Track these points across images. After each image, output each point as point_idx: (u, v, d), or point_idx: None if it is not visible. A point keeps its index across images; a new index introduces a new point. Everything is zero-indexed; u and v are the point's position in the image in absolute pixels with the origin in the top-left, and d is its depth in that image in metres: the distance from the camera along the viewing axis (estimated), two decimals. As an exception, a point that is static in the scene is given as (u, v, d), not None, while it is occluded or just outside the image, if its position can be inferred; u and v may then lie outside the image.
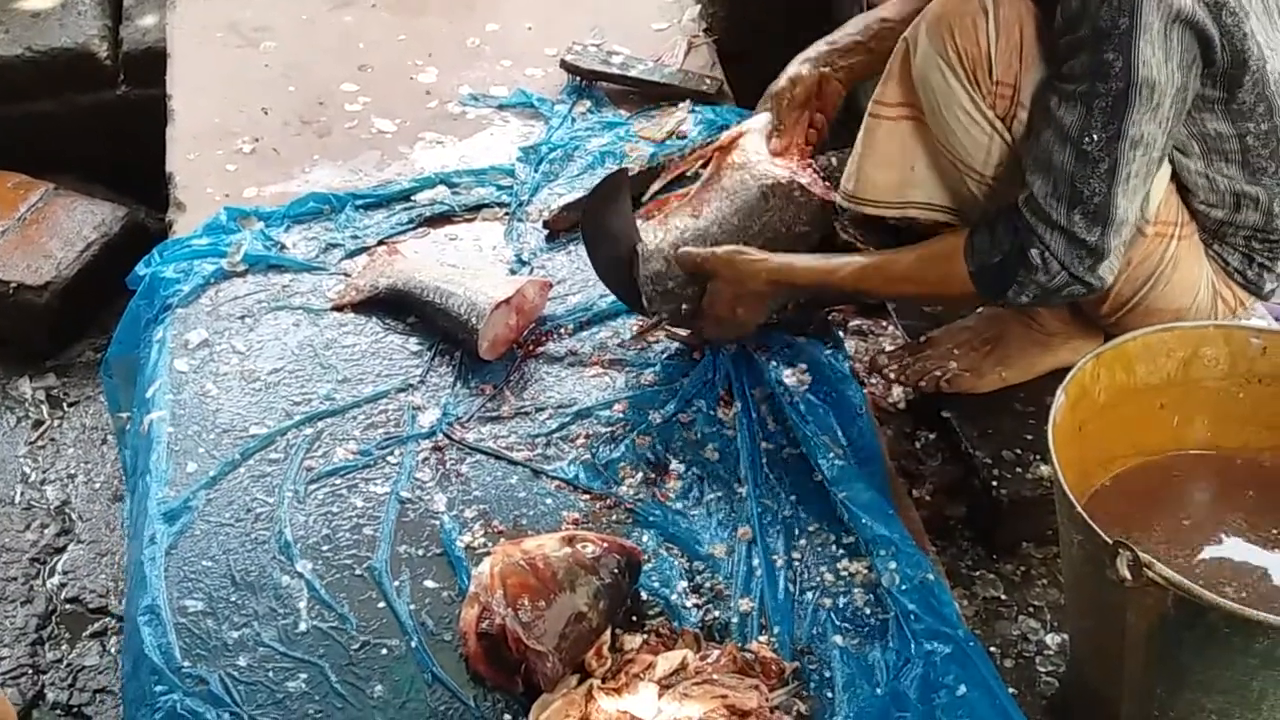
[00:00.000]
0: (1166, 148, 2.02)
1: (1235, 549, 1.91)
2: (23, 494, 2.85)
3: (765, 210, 2.36)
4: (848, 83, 2.49)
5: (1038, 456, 2.28)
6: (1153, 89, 1.90)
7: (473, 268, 2.53)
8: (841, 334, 2.61)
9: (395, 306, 2.49)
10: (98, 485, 2.89)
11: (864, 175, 2.21)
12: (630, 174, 2.62)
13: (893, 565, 1.99)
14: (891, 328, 2.68)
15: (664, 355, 2.41)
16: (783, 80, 2.48)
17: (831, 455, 2.16)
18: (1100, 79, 1.91)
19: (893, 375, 2.46)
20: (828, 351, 2.36)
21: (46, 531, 2.77)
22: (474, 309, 2.36)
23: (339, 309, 2.50)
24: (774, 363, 2.34)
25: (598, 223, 2.35)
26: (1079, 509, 1.73)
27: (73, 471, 2.91)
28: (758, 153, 2.43)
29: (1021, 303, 2.11)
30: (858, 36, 2.45)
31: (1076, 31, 1.92)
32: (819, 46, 2.48)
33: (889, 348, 2.60)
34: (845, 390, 2.28)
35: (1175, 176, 2.13)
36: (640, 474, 2.19)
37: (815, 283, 2.28)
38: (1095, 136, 1.93)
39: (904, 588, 1.95)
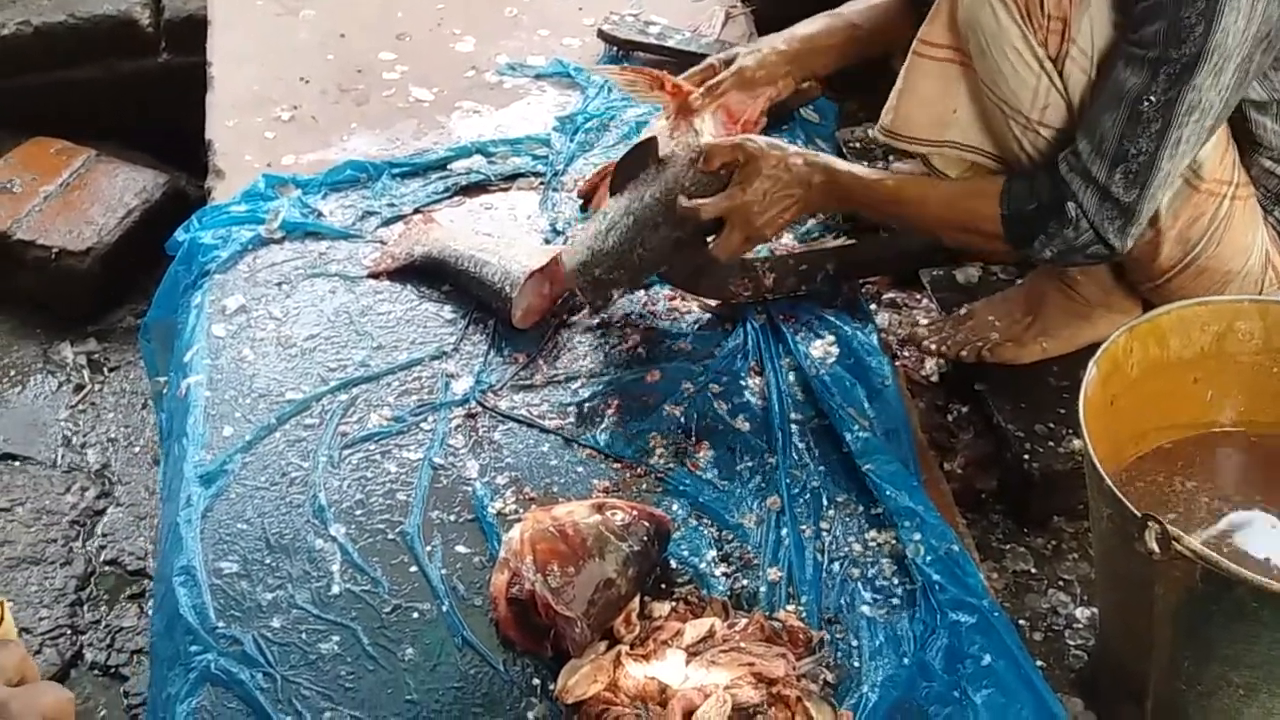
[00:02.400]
0: (1222, 116, 1.99)
1: (1265, 524, 1.90)
2: (63, 457, 2.89)
3: (678, 178, 2.28)
4: (799, 82, 2.51)
5: (1070, 430, 2.27)
6: (1223, 56, 1.88)
7: (507, 237, 2.54)
8: (874, 306, 2.61)
9: (430, 274, 2.50)
10: (137, 449, 2.92)
11: (903, 112, 2.19)
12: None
13: (917, 537, 1.99)
14: (926, 300, 2.68)
15: (696, 326, 2.41)
16: (750, 59, 2.45)
17: (857, 428, 2.16)
18: (1175, 45, 1.88)
19: (933, 347, 2.45)
20: (855, 324, 2.36)
21: (86, 494, 2.81)
22: (508, 277, 2.37)
23: (374, 276, 2.52)
24: (801, 334, 2.34)
25: (623, 191, 2.35)
26: (1109, 482, 1.73)
27: (113, 435, 2.95)
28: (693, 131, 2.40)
29: (1044, 256, 2.09)
30: (828, 40, 2.44)
31: None
32: (791, 39, 2.46)
33: (924, 320, 2.59)
34: (871, 363, 2.28)
35: (1247, 134, 2.10)
36: (671, 443, 2.19)
37: (852, 184, 2.23)
38: (1154, 99, 1.91)
39: (928, 559, 1.95)
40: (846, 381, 2.25)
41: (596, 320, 2.41)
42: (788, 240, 2.52)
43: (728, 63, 2.46)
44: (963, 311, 2.47)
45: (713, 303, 2.42)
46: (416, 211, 2.64)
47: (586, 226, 2.35)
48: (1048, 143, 2.08)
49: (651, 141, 2.35)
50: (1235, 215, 2.13)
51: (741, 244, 2.27)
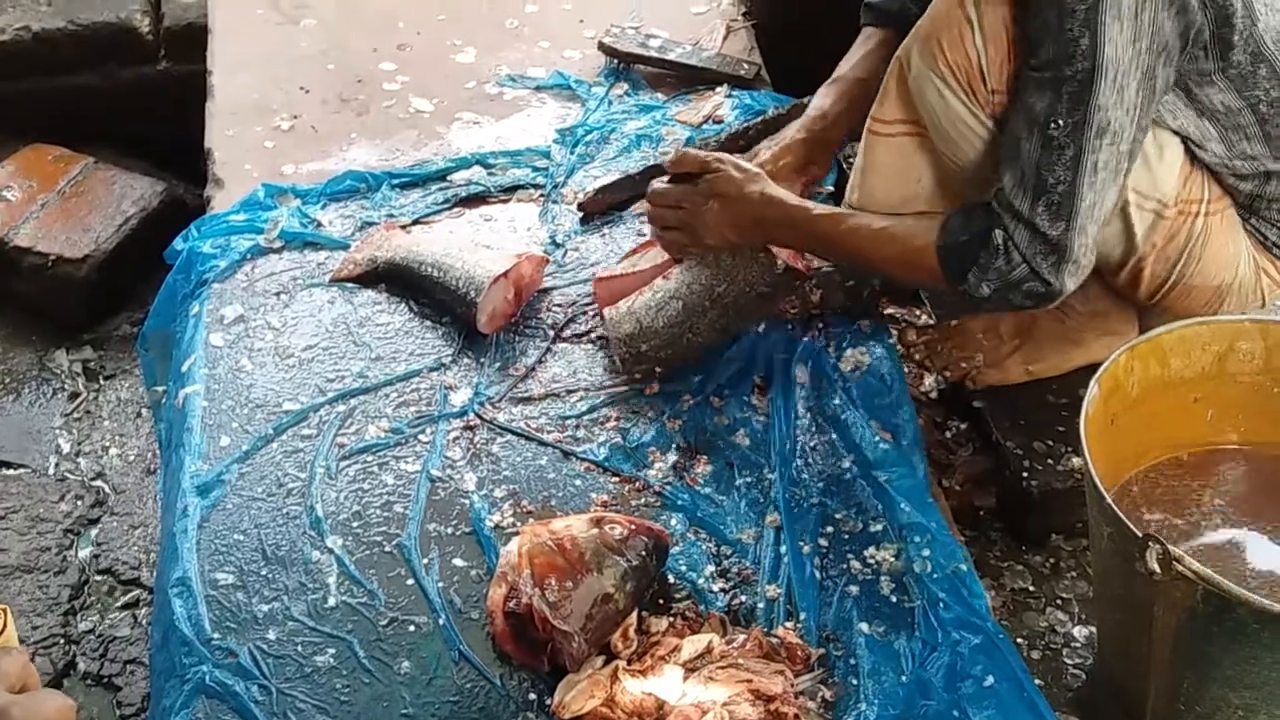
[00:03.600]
0: (1138, 140, 1.99)
1: (1266, 545, 1.90)
2: (57, 465, 2.88)
3: (734, 270, 2.31)
4: (831, 157, 2.51)
5: (1069, 448, 2.27)
6: (1118, 70, 1.88)
7: (470, 244, 2.53)
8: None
9: (395, 281, 2.50)
10: (132, 458, 2.91)
11: (868, 190, 2.22)
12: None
13: (926, 553, 1.99)
14: (924, 316, 2.68)
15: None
16: (769, 154, 2.46)
17: (877, 439, 2.16)
18: (1067, 61, 1.89)
19: (918, 357, 2.46)
20: (880, 340, 2.36)
21: (80, 503, 2.80)
22: (472, 282, 2.37)
23: (336, 281, 2.51)
24: (830, 346, 2.34)
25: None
26: (1109, 501, 1.72)
27: (107, 444, 2.94)
28: None
29: (983, 294, 2.06)
30: (841, 105, 2.42)
31: (1044, 14, 1.90)
32: (805, 123, 2.46)
33: (918, 326, 2.60)
34: (894, 379, 2.28)
35: (1200, 160, 2.11)
36: (670, 458, 2.19)
37: (793, 218, 2.23)
38: (1061, 122, 1.92)
39: (935, 576, 1.95)
40: (870, 394, 2.25)
41: (595, 334, 2.41)
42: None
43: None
44: (954, 324, 2.47)
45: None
46: (417, 222, 2.64)
47: (635, 298, 2.34)
48: None
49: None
50: (1212, 230, 2.14)
51: (679, 248, 2.33)
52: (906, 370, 2.50)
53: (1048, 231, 1.98)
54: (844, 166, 2.75)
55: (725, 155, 2.32)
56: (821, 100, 2.45)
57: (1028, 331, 2.38)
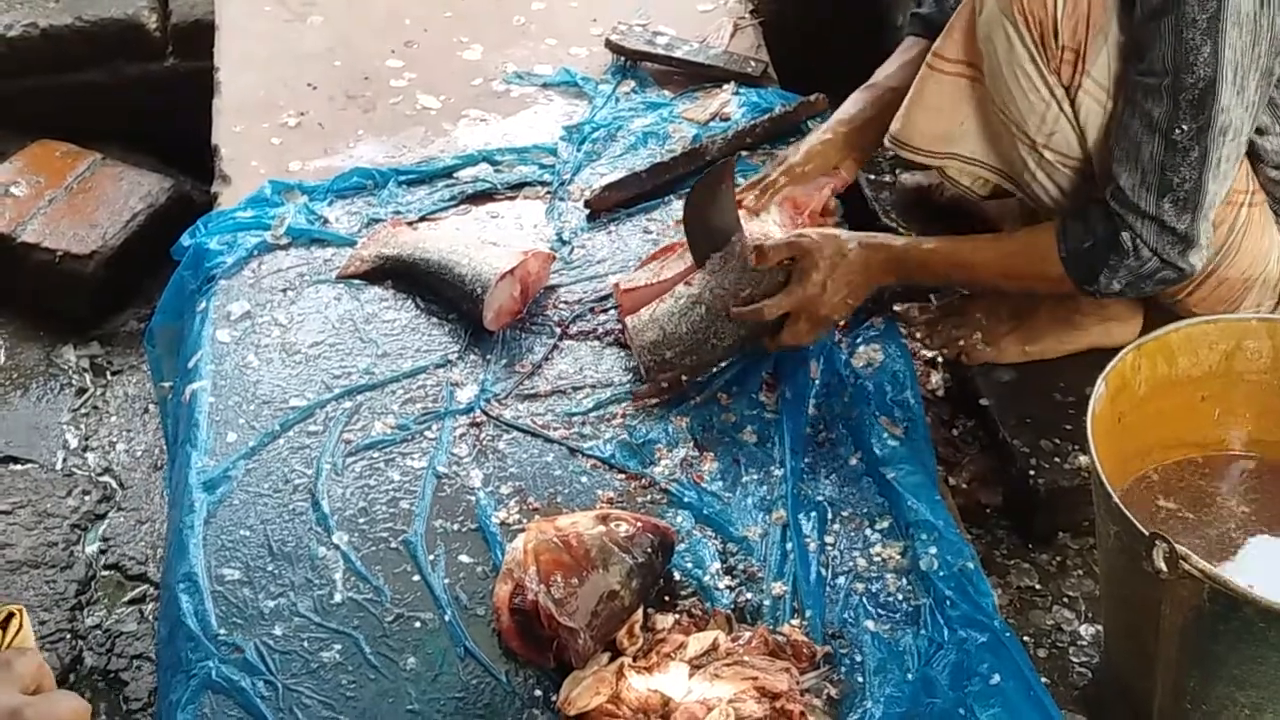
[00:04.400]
0: (1252, 129, 2.01)
1: (1272, 544, 1.89)
2: (65, 461, 2.88)
3: (760, 274, 2.27)
4: (861, 161, 2.51)
5: (1076, 446, 2.27)
6: (1240, 74, 1.89)
7: (476, 240, 2.53)
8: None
9: (401, 278, 2.50)
10: (139, 454, 2.91)
11: (911, 121, 2.22)
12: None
13: (933, 550, 1.99)
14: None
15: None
16: (798, 154, 2.46)
17: (886, 436, 2.16)
18: (1187, 70, 1.89)
19: (919, 335, 2.47)
20: (891, 337, 2.37)
21: (88, 498, 2.80)
22: (479, 279, 2.37)
23: (343, 277, 2.52)
24: (841, 342, 2.34)
25: (700, 216, 2.34)
26: (1116, 500, 1.72)
27: (114, 439, 2.94)
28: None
29: (1114, 290, 2.09)
30: (871, 112, 2.42)
31: (1160, 19, 1.90)
32: (835, 125, 2.46)
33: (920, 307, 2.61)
34: (904, 376, 2.28)
35: (1249, 147, 2.11)
36: (676, 455, 2.19)
37: (911, 258, 2.23)
38: (1185, 127, 1.93)
39: (942, 573, 1.95)
40: (881, 390, 2.25)
41: (602, 331, 2.41)
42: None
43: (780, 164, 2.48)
44: (957, 302, 2.49)
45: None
46: (424, 219, 2.64)
47: (656, 306, 2.32)
48: (1051, 165, 2.10)
49: (725, 165, 2.34)
50: (1253, 222, 2.15)
51: (809, 333, 2.27)
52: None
53: (1175, 226, 2.00)
54: (865, 193, 2.74)
55: (801, 231, 2.28)
56: (852, 105, 2.45)
57: (1027, 313, 2.39)
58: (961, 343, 2.41)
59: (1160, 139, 1.95)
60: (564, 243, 2.59)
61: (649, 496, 2.13)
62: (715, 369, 2.33)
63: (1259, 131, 2.08)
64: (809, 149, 2.46)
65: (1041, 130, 2.08)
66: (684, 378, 2.30)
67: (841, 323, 2.32)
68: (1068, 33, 2.00)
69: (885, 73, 2.44)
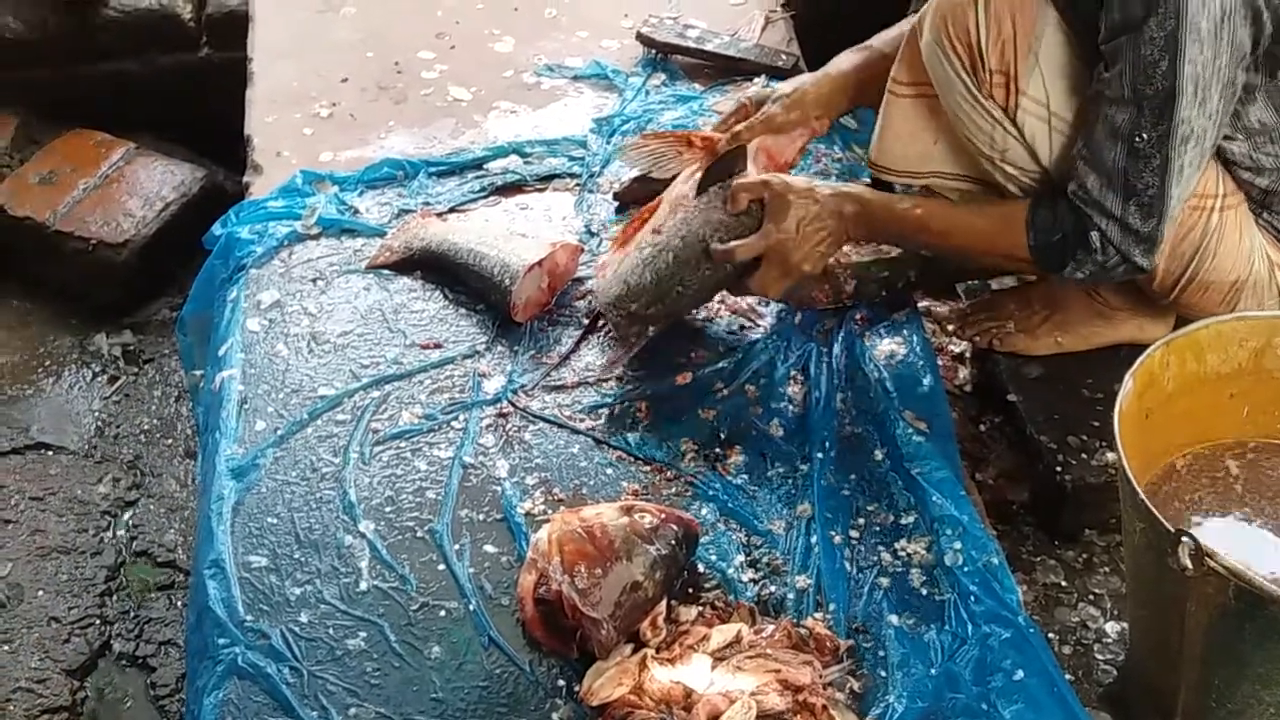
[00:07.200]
0: (1218, 136, 2.01)
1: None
2: (96, 448, 2.90)
3: (730, 223, 2.24)
4: (835, 117, 2.47)
5: (1103, 443, 2.26)
6: (1198, 85, 1.89)
7: (505, 232, 2.54)
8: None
9: (429, 268, 2.51)
10: (170, 441, 2.94)
11: (886, 147, 2.23)
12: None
13: (957, 545, 1.98)
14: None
15: (728, 331, 2.41)
16: (778, 105, 2.39)
17: (911, 431, 2.16)
18: (1144, 82, 1.90)
19: (951, 327, 2.47)
20: (916, 332, 2.36)
21: (118, 485, 2.82)
22: (507, 270, 2.38)
23: (372, 268, 2.53)
24: (866, 337, 2.34)
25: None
26: (1142, 496, 1.71)
27: (146, 427, 2.97)
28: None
29: (1077, 279, 2.10)
30: (858, 74, 2.39)
31: (1120, 35, 1.90)
32: (820, 78, 2.42)
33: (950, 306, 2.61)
34: (929, 371, 2.28)
35: (1219, 151, 2.10)
36: (702, 447, 2.19)
37: (883, 214, 2.21)
38: (1146, 135, 1.94)
39: (966, 569, 1.94)
40: (906, 385, 2.25)
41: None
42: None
43: (758, 104, 2.44)
44: (988, 295, 2.49)
45: (744, 304, 2.41)
46: (453, 210, 2.65)
47: (620, 261, 2.32)
48: (1017, 180, 2.11)
49: (738, 150, 2.33)
50: (1227, 225, 2.14)
51: (780, 280, 2.25)
52: (941, 364, 2.50)
53: (1140, 229, 2.00)
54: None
55: (773, 174, 2.28)
56: (841, 62, 2.43)
57: (1059, 303, 2.39)
58: (994, 330, 2.42)
59: (1123, 145, 1.96)
60: (592, 234, 2.59)
61: (674, 489, 2.14)
62: (684, 317, 2.33)
63: (1228, 137, 2.08)
64: (791, 100, 2.41)
65: (994, 148, 2.10)
66: (650, 329, 2.30)
67: (814, 272, 2.26)
68: (994, 58, 2.02)
69: (881, 38, 2.42)
